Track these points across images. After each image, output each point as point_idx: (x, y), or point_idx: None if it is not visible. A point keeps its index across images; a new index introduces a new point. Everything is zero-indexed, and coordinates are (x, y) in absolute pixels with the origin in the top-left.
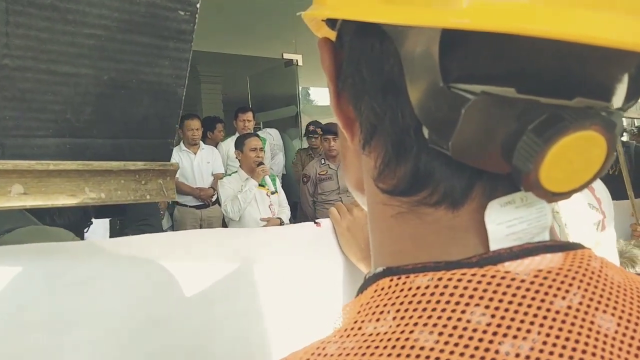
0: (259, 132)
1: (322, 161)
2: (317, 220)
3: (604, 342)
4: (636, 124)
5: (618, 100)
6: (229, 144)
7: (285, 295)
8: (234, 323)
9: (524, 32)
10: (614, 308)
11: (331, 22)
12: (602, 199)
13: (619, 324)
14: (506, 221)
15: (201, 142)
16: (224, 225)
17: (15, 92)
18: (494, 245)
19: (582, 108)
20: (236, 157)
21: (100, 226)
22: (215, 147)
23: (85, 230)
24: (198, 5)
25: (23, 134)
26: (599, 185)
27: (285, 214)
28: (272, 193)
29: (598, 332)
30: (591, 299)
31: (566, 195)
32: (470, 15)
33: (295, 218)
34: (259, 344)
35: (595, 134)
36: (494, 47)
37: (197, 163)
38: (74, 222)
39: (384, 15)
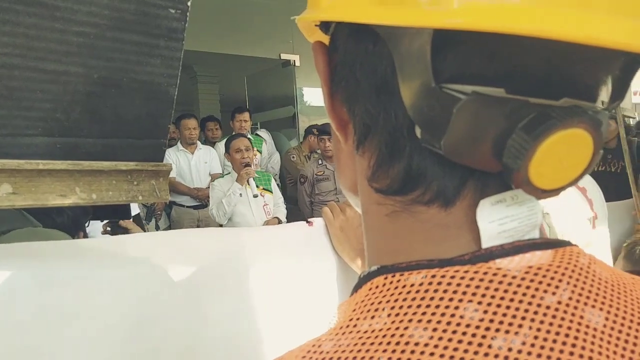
0: (258, 132)
1: (320, 162)
2: (309, 220)
3: (593, 336)
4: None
5: (603, 100)
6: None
7: (277, 295)
8: (226, 322)
9: (516, 32)
10: (602, 303)
11: (324, 26)
12: (594, 200)
13: (607, 319)
14: (498, 219)
15: (198, 142)
16: (220, 226)
17: (3, 90)
18: (486, 243)
19: (569, 107)
20: (227, 160)
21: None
22: (212, 146)
23: (86, 224)
24: (189, 4)
25: (11, 133)
26: (591, 186)
27: (282, 212)
28: (255, 196)
29: (587, 327)
30: (580, 295)
31: (555, 192)
32: (462, 15)
33: (294, 218)
34: (251, 343)
35: (582, 131)
36: (484, 48)
37: (195, 163)
38: (73, 218)
39: (377, 17)
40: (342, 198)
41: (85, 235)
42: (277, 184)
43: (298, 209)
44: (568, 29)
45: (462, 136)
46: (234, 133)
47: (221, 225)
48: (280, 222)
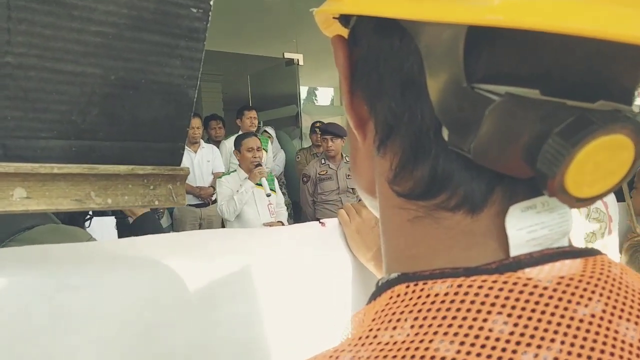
0: (266, 128)
1: (322, 161)
2: (321, 220)
3: (630, 352)
4: None
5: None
6: (232, 142)
7: (289, 297)
8: (238, 325)
9: (561, 30)
10: (637, 317)
11: (344, 19)
12: (609, 203)
13: None
14: (527, 226)
15: (201, 141)
16: (223, 224)
17: (18, 91)
18: (514, 251)
19: (609, 111)
20: (235, 157)
21: (109, 224)
22: (216, 145)
23: (87, 225)
24: (212, 3)
25: (26, 135)
26: None
27: (284, 215)
28: (268, 195)
29: (623, 342)
30: (614, 307)
31: (591, 200)
32: (503, 11)
33: (299, 218)
34: (264, 346)
35: (623, 137)
36: (521, 46)
37: (198, 162)
38: (70, 215)
39: (410, 12)
40: (345, 198)
41: None
42: (282, 182)
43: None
44: (614, 27)
45: (493, 140)
46: (240, 131)
47: (223, 225)
48: (283, 225)
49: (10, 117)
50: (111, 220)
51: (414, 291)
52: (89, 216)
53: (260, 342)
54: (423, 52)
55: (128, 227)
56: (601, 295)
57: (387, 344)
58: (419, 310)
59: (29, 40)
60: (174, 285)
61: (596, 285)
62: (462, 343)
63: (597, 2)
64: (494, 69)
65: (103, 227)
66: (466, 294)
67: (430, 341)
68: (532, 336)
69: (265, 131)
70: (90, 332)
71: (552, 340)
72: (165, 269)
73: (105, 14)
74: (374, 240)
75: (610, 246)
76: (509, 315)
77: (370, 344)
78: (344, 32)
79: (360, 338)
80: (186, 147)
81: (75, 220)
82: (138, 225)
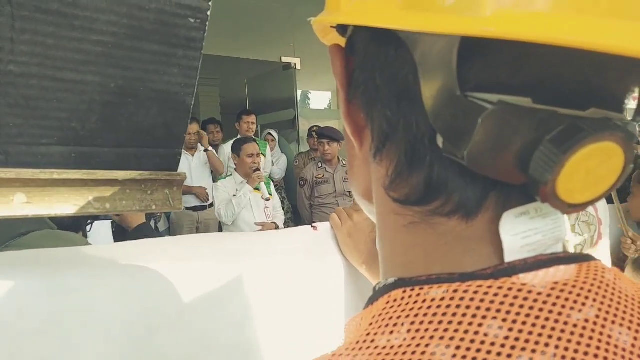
0: (271, 131)
1: (319, 164)
2: (314, 224)
3: (623, 357)
4: None
5: (629, 112)
6: (230, 146)
7: (283, 301)
8: (232, 330)
9: (552, 42)
10: (630, 322)
11: (341, 29)
12: (599, 207)
13: (635, 338)
14: (521, 232)
15: (199, 145)
16: (220, 227)
17: (20, 99)
18: (508, 257)
19: (600, 119)
20: (233, 161)
21: (106, 228)
22: (215, 149)
23: (88, 229)
24: (209, 13)
25: (27, 142)
26: None
27: (280, 218)
28: (267, 200)
29: (616, 347)
30: (607, 312)
31: (582, 206)
32: (496, 23)
33: (299, 221)
34: (259, 350)
35: (613, 145)
36: (513, 56)
37: (195, 165)
38: (74, 218)
39: (405, 23)
40: (342, 201)
41: (85, 235)
42: (282, 186)
43: None
44: (605, 39)
45: (486, 147)
46: (239, 135)
47: (221, 229)
48: (277, 227)
49: (12, 124)
50: (107, 224)
51: (410, 296)
52: (89, 221)
53: (254, 346)
54: (418, 62)
55: (125, 231)
56: (595, 300)
57: (384, 348)
58: (416, 315)
59: (31, 49)
60: (167, 291)
61: (590, 291)
62: (457, 347)
63: (586, 14)
64: (486, 77)
65: (99, 231)
66: (462, 299)
67: (427, 345)
68: (526, 341)
69: (270, 134)
70: (87, 334)
71: (547, 345)
72: (160, 274)
73: (106, 24)
74: (366, 243)
75: (601, 249)
76: (504, 320)
77: (368, 348)
78: (341, 41)
79: (357, 342)
80: (183, 151)
81: (78, 225)
82: (135, 234)
